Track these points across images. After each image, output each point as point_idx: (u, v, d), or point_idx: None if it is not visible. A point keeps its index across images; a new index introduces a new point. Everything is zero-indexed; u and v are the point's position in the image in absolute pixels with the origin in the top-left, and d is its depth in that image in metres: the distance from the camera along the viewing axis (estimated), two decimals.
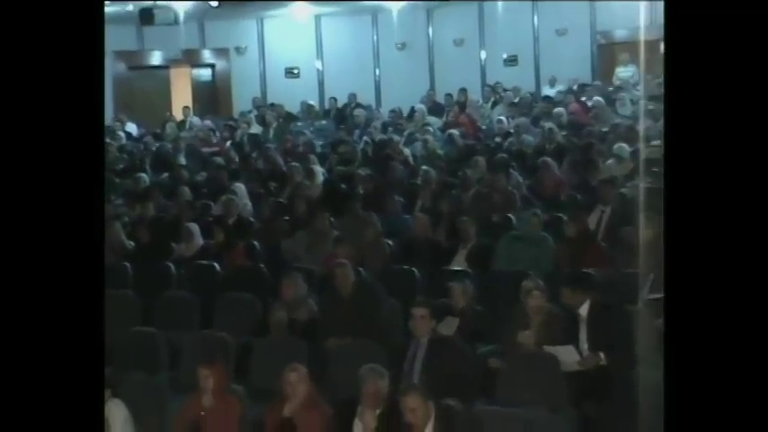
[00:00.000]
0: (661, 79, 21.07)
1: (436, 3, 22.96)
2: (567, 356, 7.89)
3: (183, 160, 17.77)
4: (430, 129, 18.31)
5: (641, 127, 15.05)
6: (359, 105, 21.81)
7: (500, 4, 22.42)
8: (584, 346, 8.00)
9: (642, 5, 19.93)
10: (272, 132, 20.16)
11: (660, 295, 8.17)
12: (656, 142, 14.04)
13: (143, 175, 16.25)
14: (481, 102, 21.19)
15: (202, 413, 7.71)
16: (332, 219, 12.13)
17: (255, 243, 11.76)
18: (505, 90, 21.54)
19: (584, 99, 19.69)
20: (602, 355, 7.87)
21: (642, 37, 21.03)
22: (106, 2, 18.80)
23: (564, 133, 16.45)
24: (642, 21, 20.50)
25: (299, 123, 20.94)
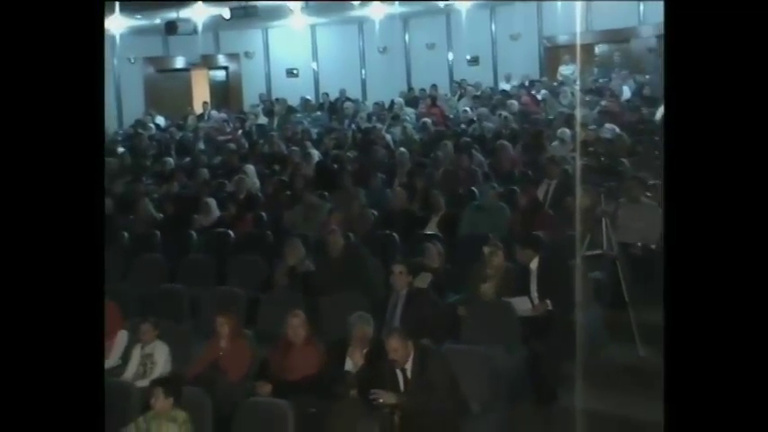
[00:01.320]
0: (594, 76, 21.27)
1: (411, 13, 22.88)
2: (522, 305, 7.92)
3: (201, 146, 17.76)
4: (407, 118, 18.31)
5: (578, 115, 15.10)
6: (348, 99, 21.79)
7: (464, 14, 22.33)
8: (535, 294, 8.03)
9: (578, 15, 19.98)
10: (275, 122, 20.11)
11: (595, 252, 8.28)
12: (593, 127, 14.11)
13: (169, 159, 16.22)
14: (449, 95, 21.21)
15: (221, 353, 7.75)
16: (326, 193, 12.14)
17: (262, 214, 11.75)
18: (469, 85, 21.53)
19: (533, 92, 19.72)
20: (548, 302, 7.91)
21: (578, 41, 21.20)
22: (137, 16, 18.81)
23: (517, 120, 16.47)
24: (578, 27, 20.58)
25: (298, 115, 20.89)
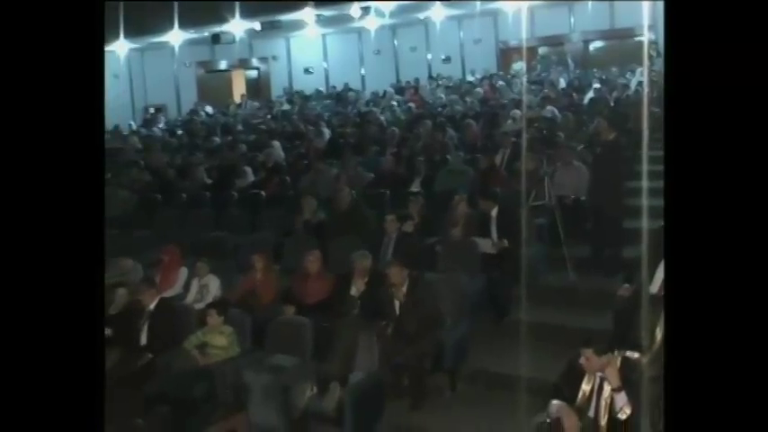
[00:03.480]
0: (537, 71, 21.11)
1: (398, 24, 22.70)
2: (485, 245, 7.91)
3: (240, 128, 17.70)
4: (396, 104, 18.20)
5: (525, 99, 15.02)
6: (351, 90, 21.77)
7: (438, 24, 22.16)
8: (495, 235, 8.02)
9: (524, 25, 19.94)
10: (296, 109, 20.01)
11: (538, 203, 8.26)
12: (536, 109, 14.01)
13: (215, 138, 16.20)
14: (428, 86, 21.06)
15: (256, 283, 7.76)
16: (334, 161, 12.08)
17: (286, 178, 11.69)
18: (443, 78, 21.43)
19: (492, 83, 19.57)
20: (505, 240, 7.90)
21: (524, 45, 21.22)
22: (190, 31, 18.72)
23: (480, 104, 16.36)
24: (524, 34, 20.53)
25: (313, 102, 20.82)
